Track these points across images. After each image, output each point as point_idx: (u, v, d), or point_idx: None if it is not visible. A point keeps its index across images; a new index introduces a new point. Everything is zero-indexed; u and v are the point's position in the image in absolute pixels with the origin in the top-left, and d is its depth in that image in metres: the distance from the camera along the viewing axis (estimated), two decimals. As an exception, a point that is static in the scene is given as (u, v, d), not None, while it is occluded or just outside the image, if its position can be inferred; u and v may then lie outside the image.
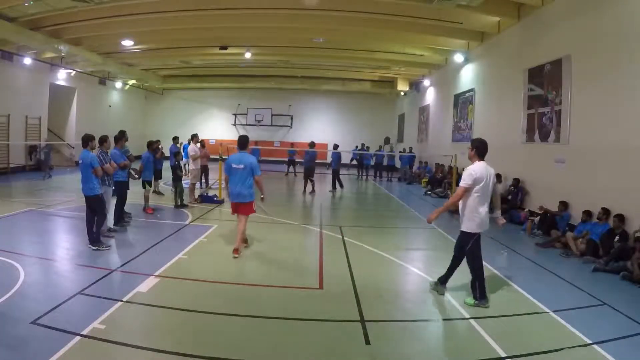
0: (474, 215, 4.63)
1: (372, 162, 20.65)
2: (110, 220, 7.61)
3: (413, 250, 7.46)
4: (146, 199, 9.40)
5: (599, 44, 7.78)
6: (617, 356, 3.56)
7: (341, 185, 14.73)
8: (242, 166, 6.09)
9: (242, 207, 6.26)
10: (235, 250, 6.18)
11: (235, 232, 8.18)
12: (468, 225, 4.69)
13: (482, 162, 4.77)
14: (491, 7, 10.44)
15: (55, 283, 4.89)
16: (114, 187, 7.36)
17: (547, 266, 6.34)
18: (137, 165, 9.51)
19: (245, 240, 6.57)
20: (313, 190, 13.66)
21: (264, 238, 7.37)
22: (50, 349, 3.29)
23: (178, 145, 12.19)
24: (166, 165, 12.07)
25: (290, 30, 14.11)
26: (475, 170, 4.64)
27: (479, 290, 4.65)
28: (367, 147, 20.98)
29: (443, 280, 5.03)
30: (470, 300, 4.68)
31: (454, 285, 5.28)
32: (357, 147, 21.56)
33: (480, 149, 4.75)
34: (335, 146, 15.90)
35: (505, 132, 11.56)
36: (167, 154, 12.08)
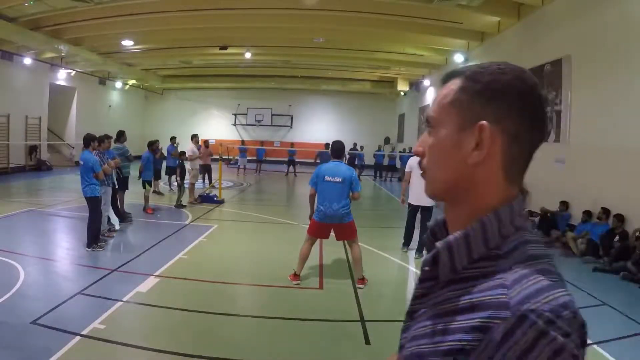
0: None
1: (364, 162, 20.62)
2: (114, 219, 7.63)
3: (413, 250, 7.45)
4: (146, 199, 9.40)
5: (599, 44, 7.77)
6: (617, 356, 3.57)
7: None
8: (339, 179, 4.98)
9: (340, 230, 5.12)
10: (360, 281, 5.16)
11: (236, 232, 8.19)
12: None
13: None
14: (491, 7, 10.43)
15: (55, 283, 4.89)
16: (117, 186, 7.35)
17: (547, 266, 6.33)
18: (137, 165, 9.53)
19: (362, 278, 5.21)
20: None
21: (264, 238, 7.37)
22: (50, 349, 3.29)
23: (175, 145, 12.22)
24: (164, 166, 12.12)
25: (290, 30, 14.11)
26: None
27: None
28: (362, 147, 20.92)
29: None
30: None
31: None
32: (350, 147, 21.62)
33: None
34: (327, 146, 15.96)
35: (505, 132, 11.55)
36: (166, 154, 12.14)
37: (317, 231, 5.14)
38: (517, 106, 0.68)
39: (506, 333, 0.56)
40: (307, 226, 5.30)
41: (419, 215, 6.53)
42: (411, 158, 6.61)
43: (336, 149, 5.23)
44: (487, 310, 0.59)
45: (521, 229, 0.69)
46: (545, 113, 0.72)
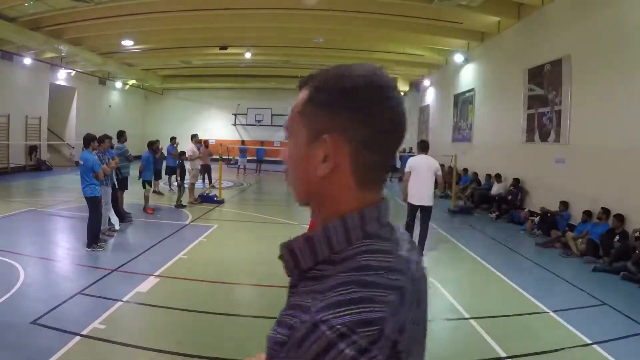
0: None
1: None
2: (115, 220, 7.63)
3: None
4: (146, 199, 9.39)
5: (599, 44, 7.77)
6: (617, 356, 3.56)
7: None
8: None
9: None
10: None
11: (236, 232, 8.20)
12: None
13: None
14: (491, 7, 10.44)
15: (55, 283, 4.89)
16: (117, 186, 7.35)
17: (547, 266, 6.34)
18: (136, 165, 9.53)
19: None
20: None
21: (264, 238, 7.37)
22: (50, 349, 3.29)
23: (175, 145, 12.23)
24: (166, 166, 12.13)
25: (290, 30, 14.11)
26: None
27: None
28: None
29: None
30: None
31: (454, 285, 5.29)
32: None
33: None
34: None
35: (505, 132, 11.56)
36: (166, 154, 12.14)
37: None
38: (363, 112, 0.67)
39: (301, 338, 0.57)
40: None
41: (418, 214, 6.57)
42: (411, 158, 6.69)
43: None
44: (298, 311, 0.61)
45: (373, 236, 0.68)
46: (399, 113, 0.70)
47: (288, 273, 0.72)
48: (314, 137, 0.69)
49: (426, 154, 6.67)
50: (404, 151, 20.51)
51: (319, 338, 0.56)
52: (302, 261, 0.69)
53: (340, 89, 0.68)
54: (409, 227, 6.72)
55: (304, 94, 0.73)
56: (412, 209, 6.54)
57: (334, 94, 0.69)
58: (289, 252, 0.70)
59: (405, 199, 6.63)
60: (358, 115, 0.67)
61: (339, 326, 0.55)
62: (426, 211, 6.48)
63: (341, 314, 0.57)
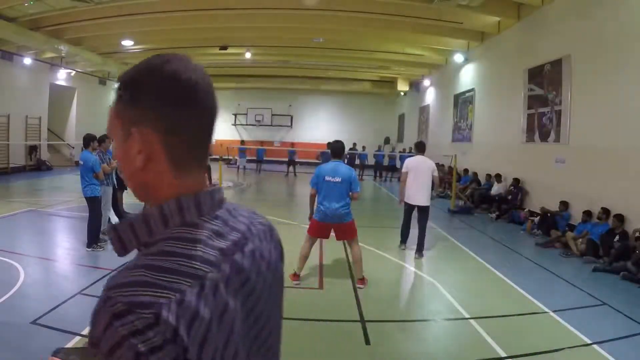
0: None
1: (366, 162, 20.60)
2: (115, 220, 7.61)
3: (413, 250, 7.45)
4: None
5: (599, 44, 7.78)
6: (617, 356, 3.56)
7: None
8: (339, 179, 4.97)
9: (341, 231, 5.12)
10: (360, 281, 5.16)
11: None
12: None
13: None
14: (491, 7, 10.44)
15: (55, 283, 4.89)
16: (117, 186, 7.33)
17: (547, 266, 6.34)
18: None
19: (362, 278, 5.20)
20: None
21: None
22: (50, 349, 3.28)
23: None
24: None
25: (290, 30, 14.11)
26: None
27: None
28: (363, 147, 20.87)
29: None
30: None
31: (454, 285, 5.28)
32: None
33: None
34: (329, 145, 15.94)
35: (505, 132, 11.56)
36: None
37: (318, 231, 5.14)
38: (161, 101, 0.70)
39: (95, 310, 0.60)
40: (307, 226, 5.30)
41: (415, 214, 6.62)
42: (408, 159, 6.79)
43: (335, 149, 5.22)
44: (105, 284, 0.63)
45: (189, 224, 0.71)
46: (196, 92, 0.72)
47: (117, 254, 0.75)
48: (127, 134, 0.72)
49: (423, 154, 6.76)
50: (404, 151, 20.56)
51: (105, 312, 0.59)
52: (127, 244, 0.72)
53: (138, 83, 0.72)
54: (406, 227, 6.87)
55: (116, 93, 0.76)
56: (409, 208, 6.69)
57: (134, 89, 0.72)
58: (116, 236, 0.72)
59: (402, 201, 6.73)
60: (157, 104, 0.70)
61: (119, 304, 0.58)
62: (424, 211, 6.54)
63: (126, 293, 0.59)
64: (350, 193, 5.03)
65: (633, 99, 6.90)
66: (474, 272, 6.05)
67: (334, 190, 4.97)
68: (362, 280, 5.16)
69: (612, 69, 7.42)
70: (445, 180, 14.61)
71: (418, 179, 6.44)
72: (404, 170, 6.63)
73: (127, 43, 15.29)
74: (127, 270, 0.63)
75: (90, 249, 6.10)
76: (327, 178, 5.01)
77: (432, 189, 6.52)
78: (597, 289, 5.34)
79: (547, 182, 9.42)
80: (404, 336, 3.99)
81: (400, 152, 20.92)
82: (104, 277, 5.04)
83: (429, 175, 6.45)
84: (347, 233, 5.12)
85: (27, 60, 15.57)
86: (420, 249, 6.55)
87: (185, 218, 0.71)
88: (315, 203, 5.15)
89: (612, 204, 7.12)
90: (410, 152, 20.35)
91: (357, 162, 19.59)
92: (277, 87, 25.41)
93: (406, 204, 6.64)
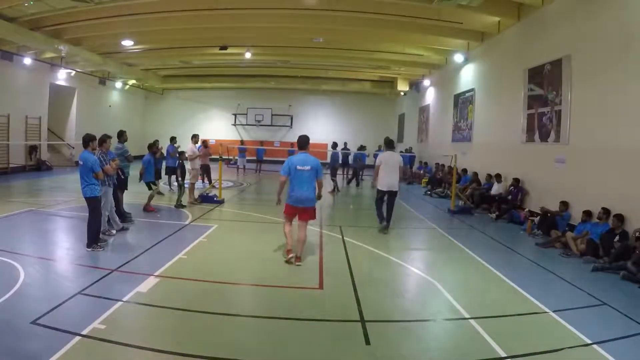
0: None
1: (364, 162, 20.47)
2: (116, 219, 7.61)
3: (413, 250, 7.46)
4: (150, 197, 9.43)
5: (599, 44, 7.78)
6: (617, 356, 3.56)
7: (336, 186, 14.72)
8: (308, 168, 5.81)
9: (306, 213, 5.92)
10: (298, 259, 5.88)
11: (236, 232, 8.20)
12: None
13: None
14: (491, 7, 10.44)
15: (55, 283, 4.89)
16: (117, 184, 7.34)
17: (547, 266, 6.34)
18: (137, 166, 9.52)
19: (299, 257, 5.94)
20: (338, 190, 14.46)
21: (263, 238, 7.37)
22: (50, 349, 3.29)
23: (176, 146, 12.23)
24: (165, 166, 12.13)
25: (290, 30, 14.12)
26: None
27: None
28: (363, 147, 20.81)
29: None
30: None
31: (454, 285, 5.28)
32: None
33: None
34: (334, 145, 16.00)
35: (505, 132, 11.56)
36: (166, 154, 12.13)
37: (292, 212, 5.99)
38: None
39: None
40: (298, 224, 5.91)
41: (385, 198, 8.14)
42: (380, 154, 8.30)
43: (302, 142, 6.03)
44: None
45: None
46: None
47: None
48: None
49: (393, 150, 8.49)
50: (405, 151, 20.55)
51: None
52: None
53: None
54: (379, 208, 8.36)
55: None
56: (381, 193, 8.14)
57: None
58: None
59: (374, 185, 8.30)
60: None
61: None
62: (393, 195, 8.10)
63: None
64: (317, 179, 5.90)
65: (633, 98, 6.90)
66: (474, 272, 6.05)
67: (305, 177, 5.83)
68: (299, 258, 5.89)
69: (612, 69, 7.41)
70: (445, 180, 14.63)
71: (389, 170, 7.94)
72: (377, 163, 8.08)
73: (127, 43, 15.29)
74: None
75: (90, 249, 6.10)
76: (298, 167, 5.83)
77: (400, 177, 8.09)
78: (597, 289, 5.33)
79: (547, 182, 9.42)
80: (404, 336, 3.98)
81: (400, 152, 20.85)
82: (104, 277, 5.05)
83: (397, 167, 7.99)
84: (309, 214, 5.96)
85: (27, 60, 15.58)
86: (388, 220, 8.19)
87: None
88: (286, 189, 5.99)
89: (612, 204, 7.12)
90: (410, 151, 20.39)
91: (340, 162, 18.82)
92: (277, 87, 25.42)
93: (379, 191, 8.12)
